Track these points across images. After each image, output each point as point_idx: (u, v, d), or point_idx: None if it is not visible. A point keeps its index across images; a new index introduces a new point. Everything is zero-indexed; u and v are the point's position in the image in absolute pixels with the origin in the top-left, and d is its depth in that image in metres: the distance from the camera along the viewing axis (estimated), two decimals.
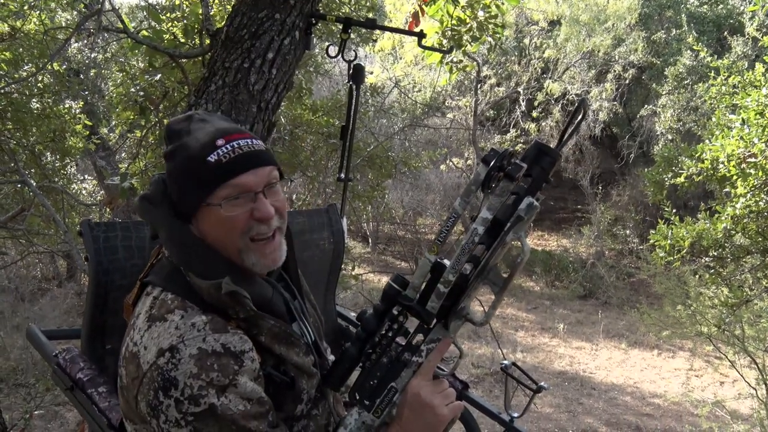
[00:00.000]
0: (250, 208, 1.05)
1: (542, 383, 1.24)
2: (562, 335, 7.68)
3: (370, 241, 11.10)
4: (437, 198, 10.99)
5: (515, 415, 1.31)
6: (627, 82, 9.88)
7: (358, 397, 1.08)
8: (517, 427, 1.33)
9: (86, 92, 5.95)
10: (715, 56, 4.62)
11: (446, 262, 1.07)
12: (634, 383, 6.49)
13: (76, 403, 1.24)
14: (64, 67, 4.96)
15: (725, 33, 8.84)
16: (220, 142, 1.04)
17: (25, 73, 3.88)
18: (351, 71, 2.05)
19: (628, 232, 10.16)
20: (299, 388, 1.08)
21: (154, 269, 1.09)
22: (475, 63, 9.48)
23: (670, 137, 8.83)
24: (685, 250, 3.11)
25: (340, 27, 2.12)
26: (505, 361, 1.29)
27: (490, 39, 3.16)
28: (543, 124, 10.50)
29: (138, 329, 1.01)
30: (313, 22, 1.99)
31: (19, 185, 3.66)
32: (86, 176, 8.30)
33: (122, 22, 2.20)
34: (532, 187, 1.05)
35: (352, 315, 1.80)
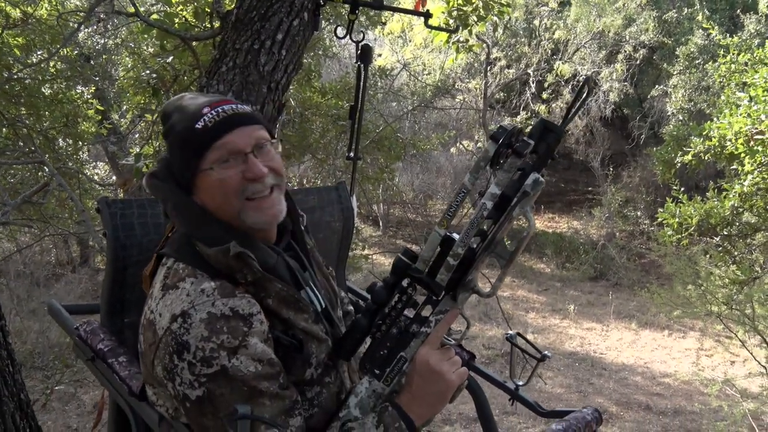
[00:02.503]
0: (241, 169, 1.08)
1: (545, 352, 1.27)
2: (572, 316, 7.71)
3: (380, 224, 11.14)
4: (447, 181, 10.99)
5: (520, 383, 1.34)
6: (638, 62, 9.78)
7: (368, 367, 1.12)
8: (522, 395, 1.36)
9: (97, 78, 5.98)
10: (728, 35, 4.57)
11: (455, 235, 1.10)
12: (644, 363, 6.51)
13: (97, 372, 1.29)
14: (76, 52, 4.99)
15: (738, 11, 8.71)
16: (206, 110, 1.09)
17: (35, 58, 3.92)
18: (359, 51, 2.07)
19: (639, 213, 10.12)
20: (308, 351, 1.11)
21: (168, 242, 1.14)
22: (484, 45, 9.41)
23: (681, 117, 8.75)
24: (692, 228, 3.11)
25: (348, 8, 2.13)
26: (510, 332, 1.33)
27: (495, 18, 3.15)
28: (553, 105, 10.43)
29: (154, 298, 1.05)
30: (321, 3, 2.01)
31: (35, 171, 3.71)
32: (97, 161, 8.38)
33: (134, 5, 2.23)
34: (537, 163, 1.07)
35: (364, 292, 1.83)
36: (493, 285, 1.13)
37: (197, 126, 1.07)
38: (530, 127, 1.11)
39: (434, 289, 1.09)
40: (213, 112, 1.08)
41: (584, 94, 1.07)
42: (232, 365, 0.98)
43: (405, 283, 1.13)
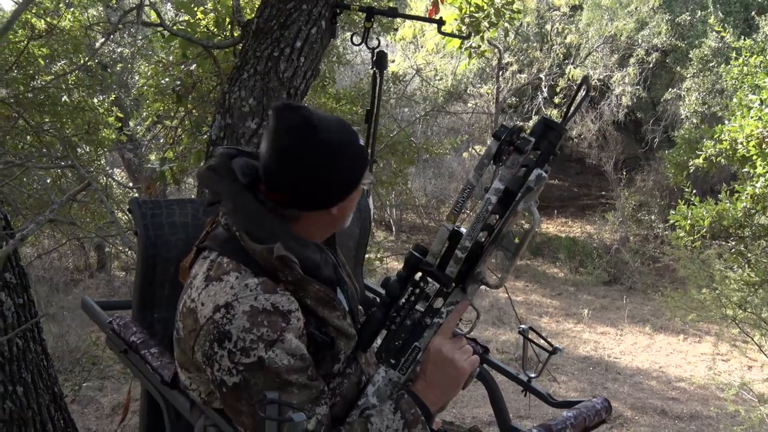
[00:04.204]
0: None
1: (557, 345, 1.32)
2: (586, 321, 7.69)
3: (393, 229, 11.19)
4: (460, 186, 11.00)
5: (532, 375, 1.40)
6: (651, 65, 9.75)
7: (384, 357, 1.18)
8: (535, 387, 1.42)
9: (114, 86, 6.12)
10: (743, 37, 4.58)
11: (463, 230, 1.16)
12: (659, 368, 6.47)
13: (130, 364, 1.36)
14: (96, 62, 5.13)
15: (753, 13, 8.67)
16: (352, 127, 1.19)
17: (57, 68, 4.05)
18: (375, 58, 2.14)
19: (653, 217, 10.06)
20: (338, 348, 1.17)
21: (210, 236, 1.19)
22: (496, 50, 9.46)
23: (695, 121, 8.71)
24: (704, 230, 3.13)
25: (363, 16, 2.21)
26: (523, 326, 1.39)
27: (507, 25, 3.22)
28: (565, 110, 10.42)
29: (196, 288, 1.12)
30: (338, 11, 2.08)
31: (58, 178, 3.82)
32: (114, 168, 8.54)
33: (159, 15, 2.32)
34: (540, 160, 1.13)
35: (380, 290, 1.90)
36: (500, 277, 1.19)
37: (361, 143, 1.18)
38: (533, 125, 1.17)
39: (444, 281, 1.15)
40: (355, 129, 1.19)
41: (583, 93, 1.14)
42: (269, 357, 1.04)
43: (417, 277, 1.19)
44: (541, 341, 1.36)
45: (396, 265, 9.30)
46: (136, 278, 1.42)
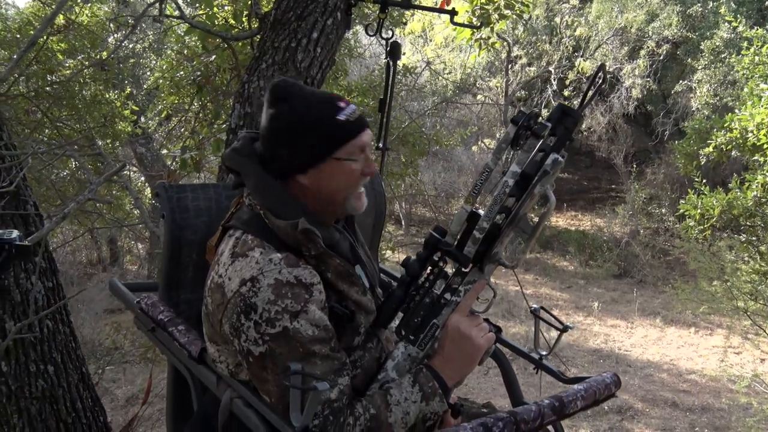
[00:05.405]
0: (361, 165, 1.24)
1: (568, 324, 1.36)
2: (596, 314, 7.70)
3: (403, 222, 11.23)
4: (469, 179, 11.01)
5: (544, 353, 1.44)
6: (661, 57, 9.69)
7: (404, 333, 1.22)
8: (546, 364, 1.46)
9: (126, 81, 6.20)
10: (756, 28, 4.57)
11: (480, 211, 1.20)
12: (670, 360, 6.47)
13: (158, 342, 1.42)
14: (111, 57, 5.20)
15: (767, 3, 8.59)
16: (341, 104, 1.21)
17: (75, 62, 4.12)
18: (389, 48, 2.19)
19: (663, 210, 10.02)
20: (357, 321, 1.22)
21: (235, 216, 1.25)
22: (505, 43, 9.45)
23: (706, 112, 8.65)
24: (714, 219, 3.14)
25: (375, 9, 2.25)
26: (534, 305, 1.43)
27: (516, 17, 3.25)
28: (575, 102, 10.39)
29: (222, 264, 1.17)
30: (353, 3, 2.12)
31: (75, 171, 3.90)
32: (126, 162, 8.62)
33: (180, 9, 2.38)
34: (557, 145, 1.17)
35: (395, 273, 1.94)
36: (516, 257, 1.23)
37: (339, 117, 1.20)
38: (550, 111, 1.21)
39: (462, 261, 1.19)
40: (349, 109, 1.21)
41: (599, 81, 1.17)
42: (293, 327, 1.09)
43: (436, 257, 1.23)
44: (552, 320, 1.40)
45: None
46: (163, 260, 1.47)
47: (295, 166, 1.22)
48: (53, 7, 3.72)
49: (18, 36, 3.74)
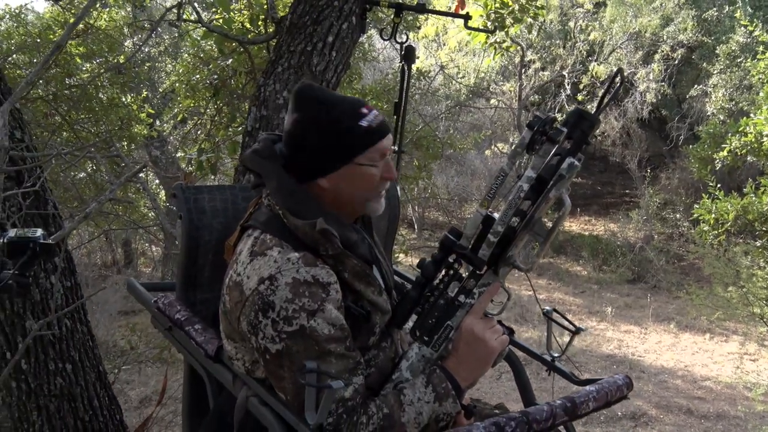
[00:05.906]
0: (381, 169, 1.26)
1: (580, 326, 1.37)
2: (610, 319, 7.64)
3: (416, 227, 11.23)
4: (482, 184, 11.00)
5: (556, 355, 1.44)
6: (676, 62, 9.63)
7: (418, 334, 1.23)
8: (559, 366, 1.46)
9: (146, 83, 6.28)
10: None
11: (495, 215, 1.21)
12: (684, 366, 6.40)
13: (174, 341, 1.44)
14: (129, 61, 5.29)
15: None
16: (364, 110, 1.23)
17: (89, 66, 4.19)
18: (403, 52, 2.21)
19: (678, 215, 9.94)
20: (373, 321, 1.24)
21: (253, 216, 1.27)
22: (519, 47, 9.44)
23: (721, 117, 8.58)
24: (729, 224, 3.12)
25: (390, 13, 2.27)
26: (547, 307, 1.43)
27: (530, 20, 3.26)
28: (589, 107, 10.35)
29: (241, 263, 1.19)
30: (367, 7, 2.15)
31: (93, 173, 3.95)
32: (146, 163, 8.70)
33: (198, 14, 2.42)
34: (573, 149, 1.17)
35: (409, 276, 1.96)
36: (531, 260, 1.24)
37: (361, 123, 1.22)
38: (566, 115, 1.22)
39: (476, 264, 1.20)
40: (371, 115, 1.23)
41: (617, 84, 1.18)
42: (310, 326, 1.11)
43: (451, 259, 1.24)
44: (565, 323, 1.40)
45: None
46: (180, 260, 1.49)
47: (316, 170, 1.24)
48: (73, 11, 3.79)
49: (38, 40, 3.82)
